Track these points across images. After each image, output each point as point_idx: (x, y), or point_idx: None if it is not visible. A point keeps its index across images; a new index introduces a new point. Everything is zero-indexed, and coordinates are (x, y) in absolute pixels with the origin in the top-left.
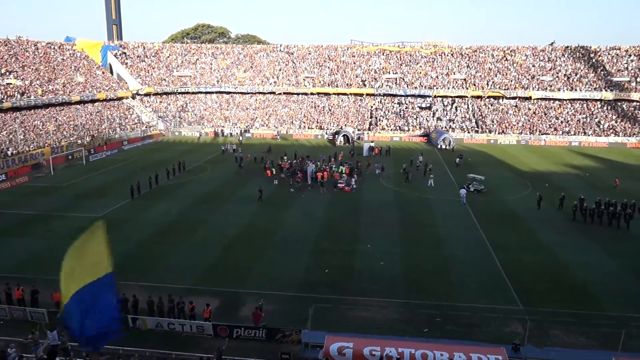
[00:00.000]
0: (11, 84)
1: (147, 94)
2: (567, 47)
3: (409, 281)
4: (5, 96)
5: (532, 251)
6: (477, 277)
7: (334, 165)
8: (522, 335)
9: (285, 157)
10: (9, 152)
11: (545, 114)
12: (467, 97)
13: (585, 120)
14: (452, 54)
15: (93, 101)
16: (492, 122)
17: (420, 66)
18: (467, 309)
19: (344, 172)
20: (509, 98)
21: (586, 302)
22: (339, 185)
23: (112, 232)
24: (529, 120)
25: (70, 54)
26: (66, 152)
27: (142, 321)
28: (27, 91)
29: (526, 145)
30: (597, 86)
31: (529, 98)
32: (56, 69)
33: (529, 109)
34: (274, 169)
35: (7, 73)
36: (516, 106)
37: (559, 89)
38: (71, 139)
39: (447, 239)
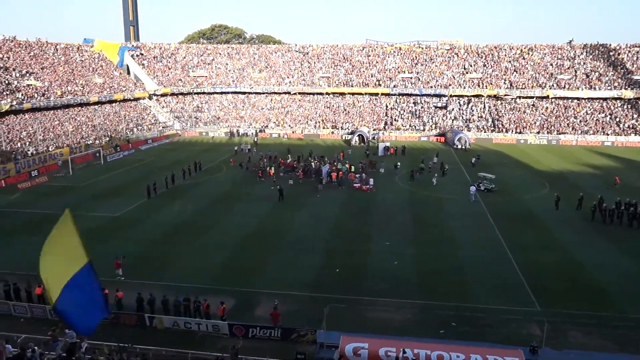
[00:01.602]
0: (31, 85)
1: (164, 95)
2: (586, 44)
3: (424, 281)
4: (26, 97)
5: (549, 251)
6: (493, 278)
7: (339, 164)
8: (539, 337)
9: (291, 157)
10: (28, 152)
11: (563, 113)
12: (483, 96)
13: (604, 119)
14: (468, 53)
15: (111, 102)
16: (509, 121)
17: (436, 65)
18: (483, 310)
19: (351, 170)
20: (526, 97)
21: (605, 303)
22: (354, 185)
23: (128, 231)
24: (546, 120)
25: (88, 55)
26: (85, 152)
27: (158, 320)
28: (46, 92)
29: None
30: (617, 84)
31: (547, 97)
32: (75, 70)
33: (547, 108)
34: (273, 167)
35: (28, 74)
36: (533, 105)
37: (577, 88)
38: (89, 139)
39: (463, 238)
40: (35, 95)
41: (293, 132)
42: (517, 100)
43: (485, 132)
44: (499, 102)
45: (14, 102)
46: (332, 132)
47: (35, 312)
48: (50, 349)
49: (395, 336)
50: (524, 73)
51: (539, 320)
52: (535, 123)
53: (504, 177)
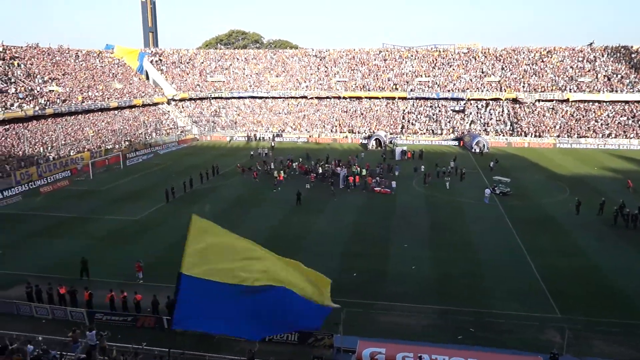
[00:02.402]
0: (53, 90)
1: (182, 100)
2: (607, 46)
3: (441, 286)
4: (48, 103)
5: (570, 257)
6: (512, 283)
7: (353, 168)
8: (560, 344)
9: (301, 160)
10: (50, 157)
11: (584, 117)
12: (501, 99)
13: (627, 122)
14: (485, 56)
15: (130, 107)
16: (528, 125)
17: (453, 69)
18: (502, 316)
19: (362, 174)
20: (545, 100)
21: (628, 310)
22: (375, 189)
23: (148, 234)
24: (566, 123)
25: (108, 61)
26: (105, 157)
27: None
28: (68, 98)
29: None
30: None
31: (567, 100)
32: (95, 76)
33: (567, 111)
34: (282, 171)
35: (50, 80)
36: (553, 108)
37: (598, 91)
38: (109, 143)
39: (481, 242)
40: (57, 100)
41: (310, 136)
42: (537, 103)
43: (503, 135)
44: (517, 105)
45: (37, 108)
46: (346, 137)
47: (57, 314)
48: (70, 350)
49: (412, 341)
50: (543, 76)
51: (559, 326)
52: (555, 127)
53: (524, 181)
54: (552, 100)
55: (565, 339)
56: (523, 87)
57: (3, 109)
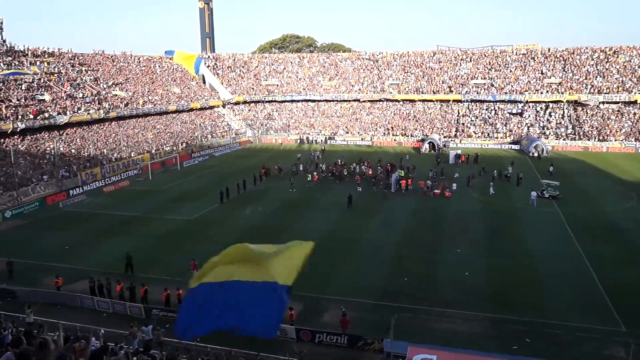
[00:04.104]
0: (117, 95)
1: (237, 103)
2: None
3: (496, 294)
4: (112, 106)
5: (637, 268)
6: (572, 292)
7: (401, 171)
8: (624, 359)
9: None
10: (112, 158)
11: None
12: (562, 102)
13: None
14: (545, 57)
15: (187, 110)
16: (592, 128)
17: (511, 70)
18: (560, 327)
19: (403, 176)
20: (611, 102)
21: None
22: (435, 192)
23: (201, 234)
24: (634, 126)
25: (167, 66)
26: (163, 158)
27: None
28: (130, 102)
29: None
30: None
31: (635, 102)
32: (155, 80)
33: (635, 113)
34: (315, 173)
35: (114, 85)
36: (619, 111)
37: None
38: (167, 145)
39: (538, 249)
40: (120, 104)
41: (363, 139)
42: (601, 105)
43: (564, 139)
44: (580, 108)
45: (102, 111)
46: (394, 140)
47: (117, 308)
48: (128, 344)
49: (465, 349)
50: (608, 77)
51: (623, 341)
52: (620, 130)
53: (586, 186)
54: (618, 103)
55: (630, 354)
56: (586, 88)
57: (72, 112)
